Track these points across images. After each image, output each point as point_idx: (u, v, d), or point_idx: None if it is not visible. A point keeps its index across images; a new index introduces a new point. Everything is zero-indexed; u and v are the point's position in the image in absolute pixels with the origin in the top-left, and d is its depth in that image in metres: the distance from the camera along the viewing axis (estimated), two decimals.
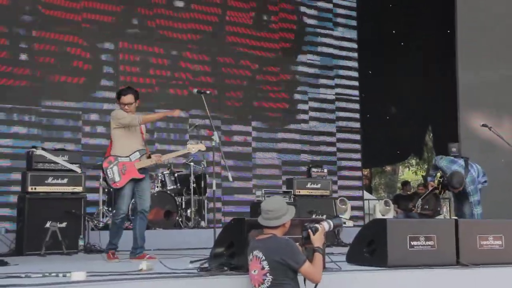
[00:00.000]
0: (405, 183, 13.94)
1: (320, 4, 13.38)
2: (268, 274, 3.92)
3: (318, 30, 13.28)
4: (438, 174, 7.62)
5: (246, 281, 4.42)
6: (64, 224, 7.31)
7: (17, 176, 8.73)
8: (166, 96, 11.34)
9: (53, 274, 4.43)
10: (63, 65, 10.52)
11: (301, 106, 12.85)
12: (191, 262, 5.41)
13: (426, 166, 22.92)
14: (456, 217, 7.67)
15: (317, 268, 3.99)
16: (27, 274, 4.39)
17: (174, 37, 11.63)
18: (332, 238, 8.49)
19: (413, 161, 23.08)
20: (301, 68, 12.98)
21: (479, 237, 5.66)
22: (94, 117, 10.66)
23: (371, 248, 5.48)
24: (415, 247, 5.37)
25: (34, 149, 7.51)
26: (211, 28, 12.02)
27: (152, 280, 4.32)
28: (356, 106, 13.52)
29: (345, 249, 6.35)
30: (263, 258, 3.95)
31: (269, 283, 3.92)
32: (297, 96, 12.85)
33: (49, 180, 7.51)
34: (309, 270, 3.95)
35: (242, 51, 12.29)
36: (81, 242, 7.32)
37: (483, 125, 8.05)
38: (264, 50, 12.54)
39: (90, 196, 8.51)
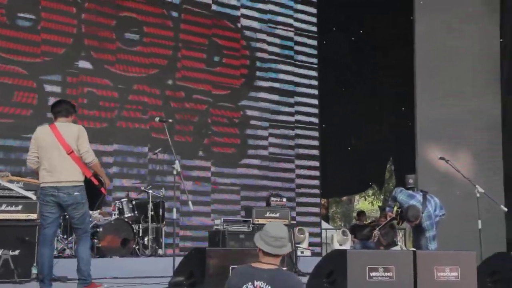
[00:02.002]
0: (361, 213, 14.06)
1: (280, 32, 13.45)
2: None
3: (279, 58, 13.37)
4: (397, 205, 7.73)
5: None
6: (17, 252, 7.07)
7: None
8: (116, 129, 11.21)
9: None
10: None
11: (261, 132, 12.90)
12: None
13: (382, 197, 23.22)
14: (414, 249, 7.76)
15: None
16: None
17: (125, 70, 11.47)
18: (290, 267, 8.49)
19: (370, 192, 23.36)
20: (262, 95, 13.04)
21: (436, 268, 5.73)
22: None
23: (331, 279, 5.49)
24: (373, 278, 5.39)
25: None
26: (164, 62, 11.92)
27: None
28: (315, 133, 13.64)
29: (303, 278, 6.34)
30: None
31: None
32: (256, 122, 12.89)
33: (3, 207, 7.25)
34: None
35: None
36: (34, 271, 7.08)
37: (441, 158, 8.21)
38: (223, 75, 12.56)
39: None
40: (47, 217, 5.82)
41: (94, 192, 5.90)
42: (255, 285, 3.70)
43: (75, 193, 5.75)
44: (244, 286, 3.72)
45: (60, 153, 5.78)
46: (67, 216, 7.66)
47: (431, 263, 5.74)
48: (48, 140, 5.82)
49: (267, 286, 3.69)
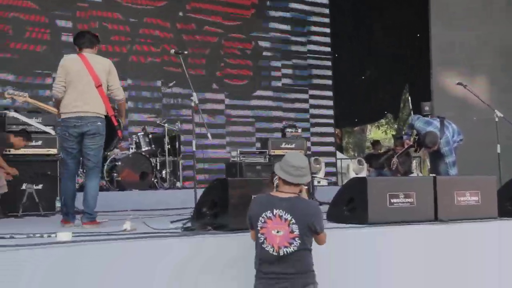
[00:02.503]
0: (376, 143, 14.07)
1: None
2: (297, 238, 3.69)
3: None
4: (414, 132, 7.70)
5: (232, 239, 4.44)
6: (40, 186, 7.23)
7: None
8: (128, 64, 11.16)
9: (37, 235, 4.37)
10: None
11: (274, 63, 12.76)
12: (172, 222, 5.41)
13: (396, 126, 23.18)
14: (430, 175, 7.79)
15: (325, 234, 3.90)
16: (11, 235, 4.32)
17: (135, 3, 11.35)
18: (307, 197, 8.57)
19: (383, 120, 23.31)
20: (272, 25, 12.83)
21: (456, 193, 5.77)
22: None
23: (351, 206, 5.54)
24: (394, 204, 5.44)
25: (7, 111, 7.34)
26: None
27: (141, 240, 4.30)
28: (328, 63, 13.49)
29: (321, 208, 6.39)
30: (293, 221, 3.69)
31: (295, 248, 3.70)
32: (269, 54, 12.73)
33: None
34: (324, 234, 3.86)
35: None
36: (58, 204, 7.22)
37: (459, 83, 8.10)
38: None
39: None
40: (69, 152, 5.65)
41: (111, 133, 5.73)
42: (274, 213, 3.74)
43: (98, 123, 5.57)
44: (264, 214, 3.76)
45: (89, 83, 5.55)
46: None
47: (451, 188, 5.77)
48: (77, 69, 5.56)
49: (286, 214, 3.71)
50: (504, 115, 7.77)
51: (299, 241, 3.70)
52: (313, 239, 3.81)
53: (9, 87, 7.12)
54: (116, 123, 5.73)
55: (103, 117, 5.66)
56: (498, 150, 7.65)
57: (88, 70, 5.56)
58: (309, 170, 3.96)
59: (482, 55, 11.88)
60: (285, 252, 3.70)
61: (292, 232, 3.70)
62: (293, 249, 3.70)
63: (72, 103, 5.55)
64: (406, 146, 8.00)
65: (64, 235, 4.09)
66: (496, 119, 7.73)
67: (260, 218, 3.78)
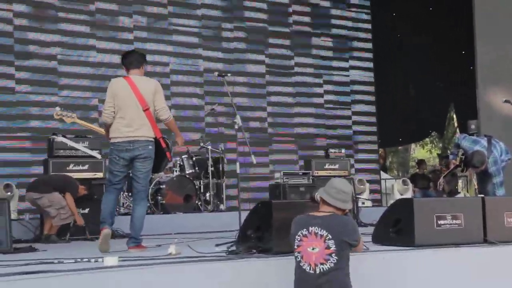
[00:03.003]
0: (421, 162, 13.88)
1: None
2: (334, 254, 3.69)
3: (332, 11, 13.16)
4: (460, 152, 7.56)
5: (276, 263, 4.42)
6: (86, 210, 7.34)
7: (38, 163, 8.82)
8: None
9: (85, 260, 4.44)
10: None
11: (316, 90, 12.78)
12: (217, 245, 5.42)
13: (441, 144, 22.80)
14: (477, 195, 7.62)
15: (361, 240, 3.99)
16: (59, 260, 4.39)
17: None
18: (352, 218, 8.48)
19: (428, 140, 22.97)
20: (315, 51, 12.87)
21: (506, 214, 5.63)
22: None
23: (397, 227, 5.46)
24: (442, 226, 5.35)
25: (54, 136, 7.52)
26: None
27: (187, 264, 4.32)
28: (371, 88, 13.43)
29: (365, 230, 6.33)
30: (329, 236, 3.71)
31: (332, 264, 3.70)
32: (311, 80, 12.75)
33: (70, 167, 7.57)
34: (361, 245, 3.90)
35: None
36: None
37: (506, 101, 7.95)
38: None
39: None
40: (116, 175, 5.69)
41: (160, 155, 5.74)
42: (309, 231, 3.77)
43: (149, 147, 5.61)
44: (299, 232, 3.81)
45: (137, 107, 5.60)
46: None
47: (500, 209, 5.65)
48: (125, 93, 5.61)
49: (321, 230, 3.74)
50: None
51: (336, 257, 3.70)
52: (349, 256, 3.81)
53: (58, 107, 7.24)
54: (164, 145, 5.74)
55: (153, 140, 5.69)
56: None
57: (135, 94, 5.60)
58: (352, 197, 4.00)
59: None
60: (322, 269, 3.69)
61: (328, 248, 3.71)
62: (330, 265, 3.70)
63: (123, 128, 5.60)
64: (452, 166, 7.84)
65: (111, 260, 4.14)
66: None
67: (297, 236, 3.82)
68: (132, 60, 5.79)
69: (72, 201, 7.00)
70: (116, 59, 9.89)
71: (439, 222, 5.33)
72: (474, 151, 7.30)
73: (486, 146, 7.38)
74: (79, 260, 4.43)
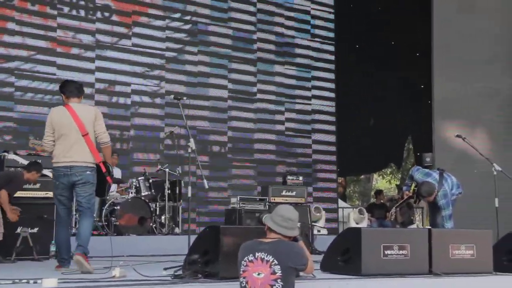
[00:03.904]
0: (379, 192, 14.03)
1: (297, 15, 13.37)
2: (279, 280, 3.71)
3: (296, 40, 13.31)
4: (413, 184, 7.69)
5: None
6: (35, 230, 7.21)
7: None
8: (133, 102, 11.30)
9: (23, 281, 4.35)
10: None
11: (277, 117, 12.87)
12: (165, 269, 5.38)
13: (400, 175, 23.12)
14: (429, 227, 7.73)
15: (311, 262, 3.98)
16: None
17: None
18: (306, 246, 8.50)
19: (388, 170, 23.27)
20: (278, 79, 12.99)
21: (452, 246, 5.72)
22: None
23: (345, 256, 5.51)
24: (388, 256, 5.40)
25: (5, 153, 7.40)
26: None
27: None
28: (332, 118, 13.58)
29: (319, 257, 6.34)
30: (275, 262, 3.72)
31: None
32: (272, 107, 12.86)
33: None
34: (310, 266, 3.90)
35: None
36: (52, 248, 7.19)
37: (458, 136, 8.13)
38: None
39: None
40: (59, 200, 5.93)
41: (101, 179, 5.92)
42: (255, 256, 3.78)
43: (87, 172, 5.80)
44: (245, 258, 3.81)
45: (77, 134, 5.79)
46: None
47: (446, 241, 5.73)
48: (64, 121, 5.81)
49: (268, 256, 3.76)
50: (504, 169, 7.75)
51: (282, 283, 3.71)
52: (295, 283, 3.82)
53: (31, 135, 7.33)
54: (104, 170, 5.89)
55: (93, 165, 5.86)
56: (496, 204, 7.62)
57: (75, 121, 5.81)
58: (297, 225, 4.02)
59: (484, 109, 11.94)
60: None
61: (274, 273, 3.72)
62: None
63: (61, 153, 5.80)
64: (405, 197, 7.96)
65: (50, 281, 4.07)
66: (495, 173, 7.71)
67: (243, 262, 3.82)
68: (73, 89, 6.05)
69: (6, 197, 6.85)
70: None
71: (385, 252, 5.39)
72: (423, 181, 7.44)
73: (437, 179, 7.52)
74: (17, 281, 4.34)
